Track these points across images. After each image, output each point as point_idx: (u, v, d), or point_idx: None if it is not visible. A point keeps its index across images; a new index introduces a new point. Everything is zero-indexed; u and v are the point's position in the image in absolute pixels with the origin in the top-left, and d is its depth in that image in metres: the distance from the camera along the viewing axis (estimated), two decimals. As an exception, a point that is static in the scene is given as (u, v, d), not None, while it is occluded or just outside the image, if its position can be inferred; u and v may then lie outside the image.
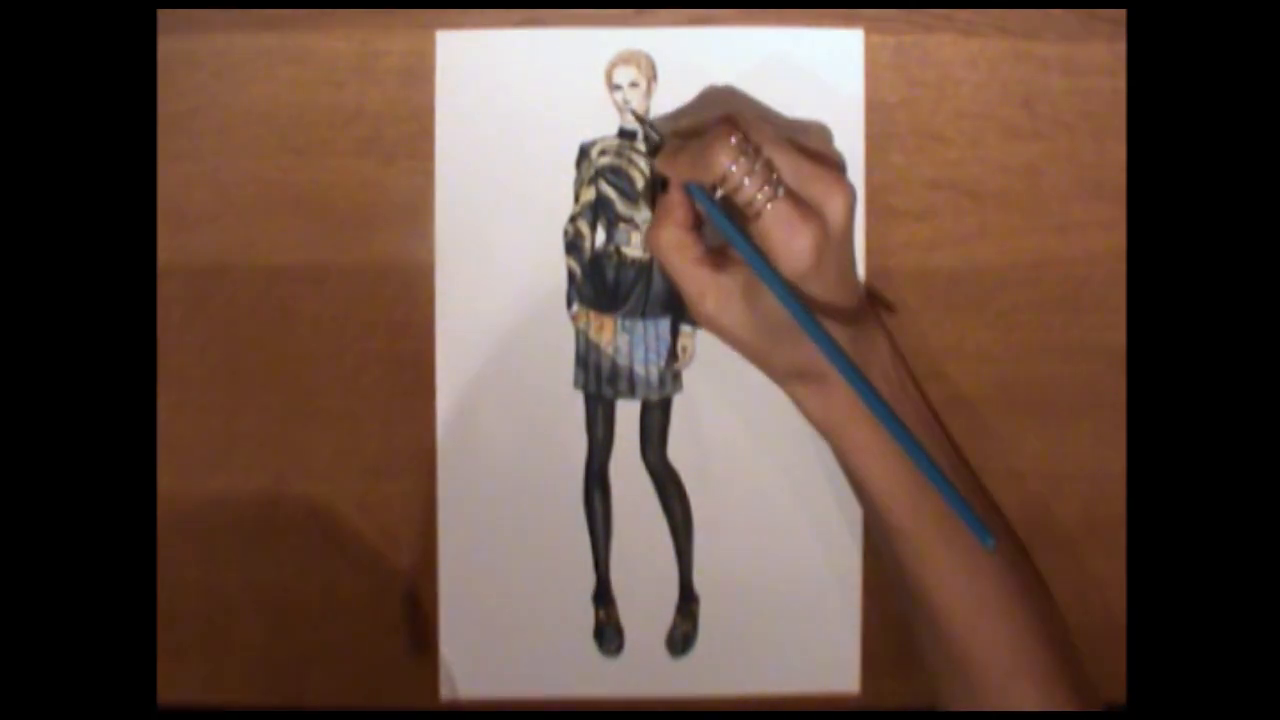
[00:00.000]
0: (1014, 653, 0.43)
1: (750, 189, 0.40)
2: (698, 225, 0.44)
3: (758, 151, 0.41)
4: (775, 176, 0.41)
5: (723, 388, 0.49)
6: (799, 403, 0.45)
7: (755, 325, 0.43)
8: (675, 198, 0.43)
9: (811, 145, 0.44)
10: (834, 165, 0.44)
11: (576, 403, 0.49)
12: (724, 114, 0.43)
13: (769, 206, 0.40)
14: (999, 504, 0.49)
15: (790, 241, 0.41)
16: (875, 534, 0.46)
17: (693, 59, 0.48)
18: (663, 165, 0.44)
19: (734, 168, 0.40)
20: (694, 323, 0.49)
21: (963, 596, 0.43)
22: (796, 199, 0.41)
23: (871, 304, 0.47)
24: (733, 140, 0.41)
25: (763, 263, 0.41)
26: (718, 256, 0.43)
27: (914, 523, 0.43)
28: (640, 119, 0.48)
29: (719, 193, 0.42)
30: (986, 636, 0.43)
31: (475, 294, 0.49)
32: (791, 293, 0.41)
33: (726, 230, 0.42)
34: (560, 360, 0.49)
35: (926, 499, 0.42)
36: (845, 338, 0.42)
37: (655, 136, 0.47)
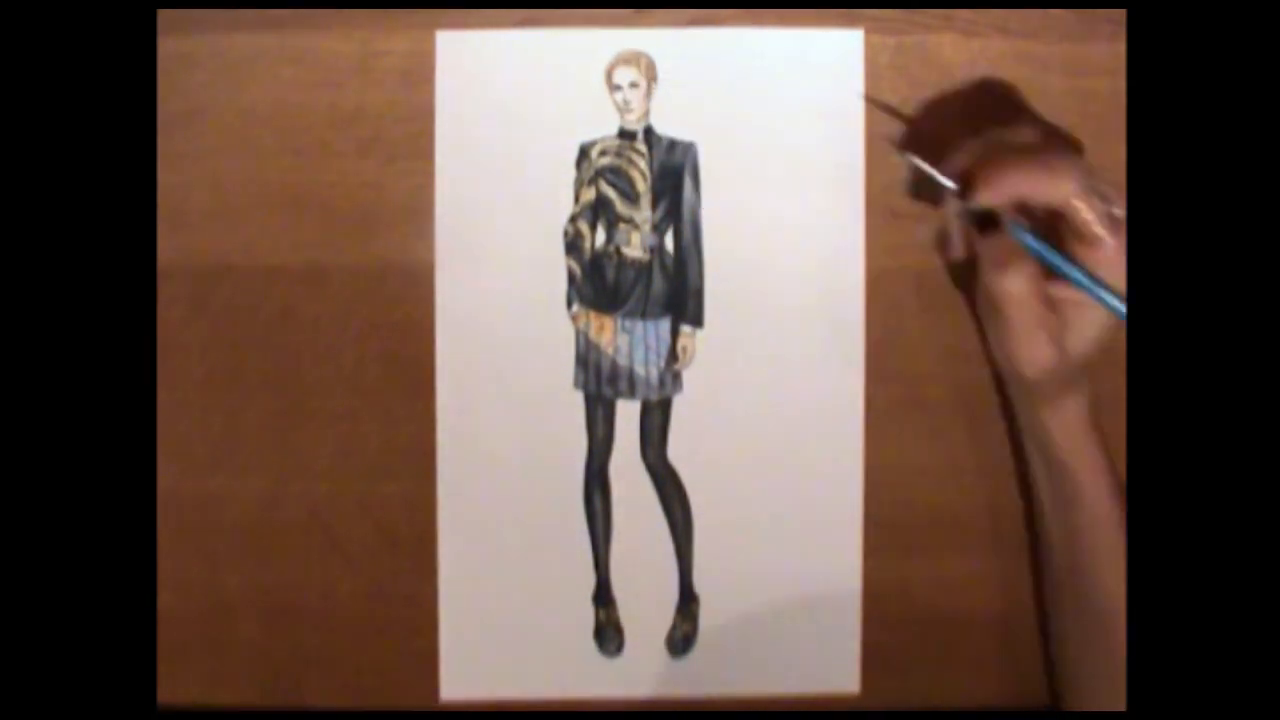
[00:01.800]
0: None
1: (1091, 212, 0.39)
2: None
3: (1095, 173, 0.40)
4: (1116, 198, 0.40)
5: (723, 388, 0.49)
6: (1044, 414, 0.44)
7: (1065, 364, 0.43)
8: (1010, 237, 0.41)
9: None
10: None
11: (576, 403, 0.49)
12: (1048, 132, 0.41)
13: (1110, 238, 0.40)
14: (998, 506, 0.49)
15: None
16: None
17: (693, 59, 0.48)
18: (989, 192, 0.41)
19: (1078, 193, 0.39)
20: (695, 322, 0.49)
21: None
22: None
23: None
24: (1080, 161, 0.39)
25: (1111, 290, 0.40)
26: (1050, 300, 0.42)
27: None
28: (922, 167, 0.45)
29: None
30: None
31: (475, 294, 0.49)
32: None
33: (1067, 267, 0.41)
34: (560, 360, 0.49)
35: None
36: None
37: (952, 185, 0.43)
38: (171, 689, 0.49)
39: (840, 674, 0.50)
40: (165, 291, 0.48)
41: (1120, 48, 0.48)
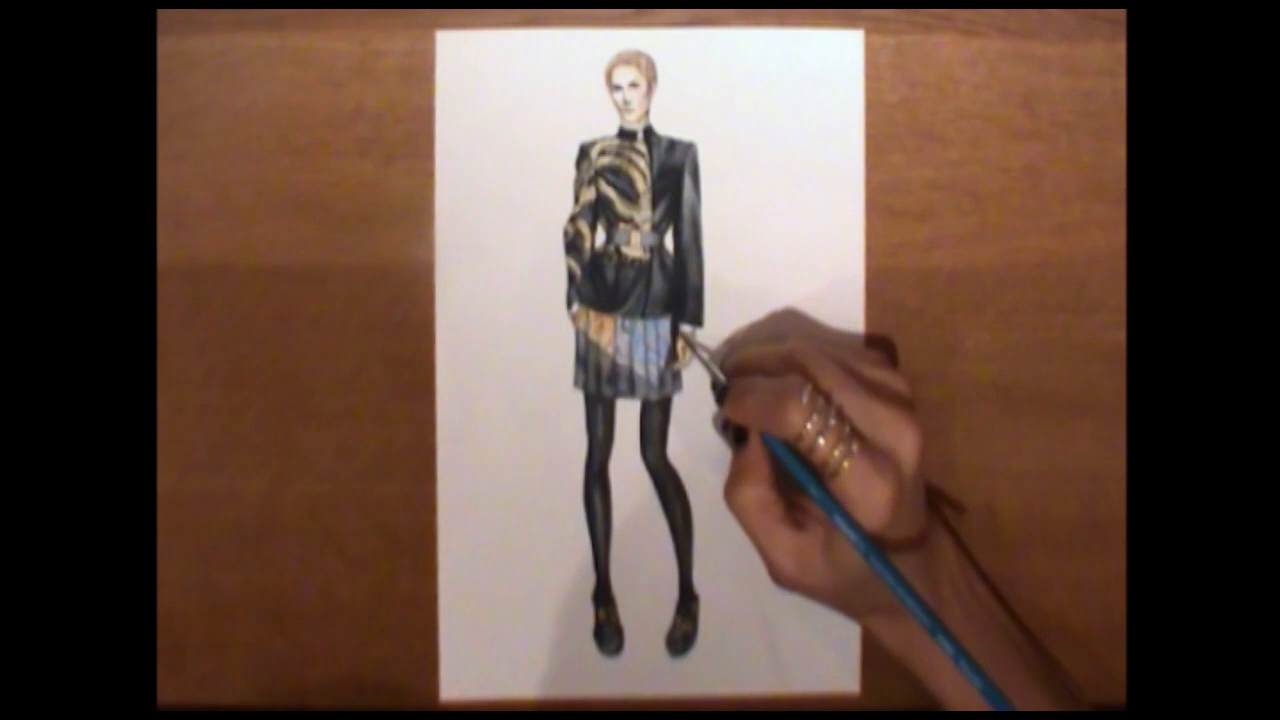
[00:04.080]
0: None
1: (825, 448, 0.40)
2: (778, 480, 0.43)
3: (828, 401, 0.41)
4: (848, 431, 0.40)
5: (723, 388, 0.49)
6: (878, 634, 0.45)
7: (835, 578, 0.42)
8: (755, 451, 0.42)
9: (871, 370, 0.43)
10: (900, 400, 0.42)
11: (576, 402, 0.49)
12: (787, 352, 0.42)
13: (845, 464, 0.40)
14: (997, 507, 0.49)
15: (868, 498, 0.40)
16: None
17: (693, 59, 0.48)
18: (734, 414, 0.44)
19: (809, 425, 0.40)
20: (695, 322, 0.49)
21: None
22: (871, 450, 0.41)
23: (935, 512, 0.47)
24: (804, 398, 0.40)
25: (846, 520, 0.41)
26: (796, 513, 0.43)
27: None
28: (698, 353, 0.47)
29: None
30: None
31: (475, 294, 0.49)
32: (872, 547, 0.40)
33: (808, 484, 0.41)
34: (560, 360, 0.49)
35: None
36: (916, 562, 0.42)
37: (721, 380, 0.46)
38: (171, 689, 0.49)
39: (840, 674, 0.50)
40: (165, 291, 0.48)
41: (1120, 48, 0.48)
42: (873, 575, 0.41)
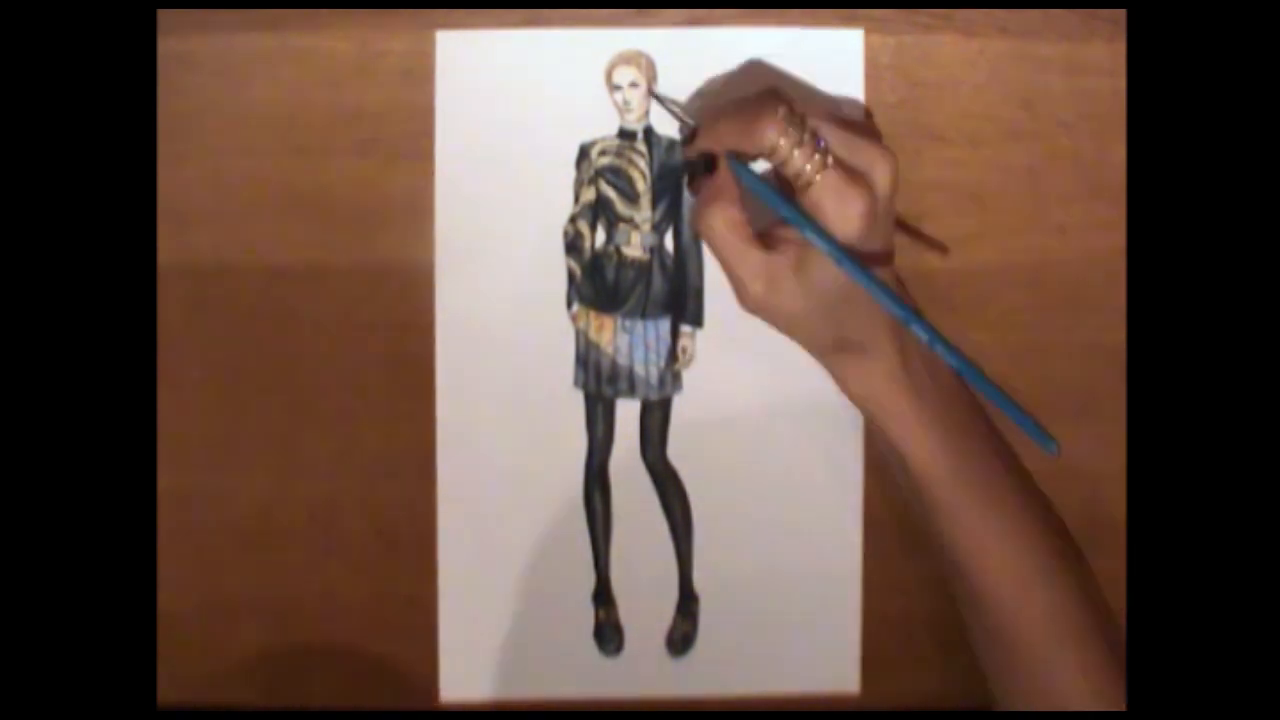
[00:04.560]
0: (1056, 619, 0.43)
1: (800, 160, 0.40)
2: (748, 208, 0.43)
3: (804, 121, 0.41)
4: (824, 147, 0.41)
5: (723, 388, 0.49)
6: (840, 376, 0.44)
7: (805, 301, 0.42)
8: (725, 176, 0.43)
9: (849, 112, 0.44)
10: (875, 134, 0.44)
11: (576, 402, 0.49)
12: (767, 87, 0.43)
13: (819, 176, 0.40)
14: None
15: (842, 209, 0.40)
16: (916, 512, 0.45)
17: (693, 59, 0.48)
18: (706, 139, 0.43)
19: (783, 140, 0.40)
20: (695, 322, 0.49)
21: (1004, 565, 0.43)
22: (845, 167, 0.41)
23: (901, 282, 0.47)
24: (780, 111, 0.41)
25: (818, 229, 0.41)
26: (766, 236, 0.43)
27: (954, 493, 0.43)
28: (666, 103, 0.47)
29: (764, 167, 0.42)
30: (1029, 604, 0.43)
31: (475, 294, 0.49)
32: (844, 253, 0.41)
33: (777, 202, 0.41)
34: (560, 360, 0.49)
35: (966, 466, 0.43)
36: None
37: (690, 122, 0.45)
38: (171, 689, 0.49)
39: (840, 674, 0.50)
40: (165, 291, 0.48)
41: (1120, 48, 0.48)
42: (843, 300, 0.41)
